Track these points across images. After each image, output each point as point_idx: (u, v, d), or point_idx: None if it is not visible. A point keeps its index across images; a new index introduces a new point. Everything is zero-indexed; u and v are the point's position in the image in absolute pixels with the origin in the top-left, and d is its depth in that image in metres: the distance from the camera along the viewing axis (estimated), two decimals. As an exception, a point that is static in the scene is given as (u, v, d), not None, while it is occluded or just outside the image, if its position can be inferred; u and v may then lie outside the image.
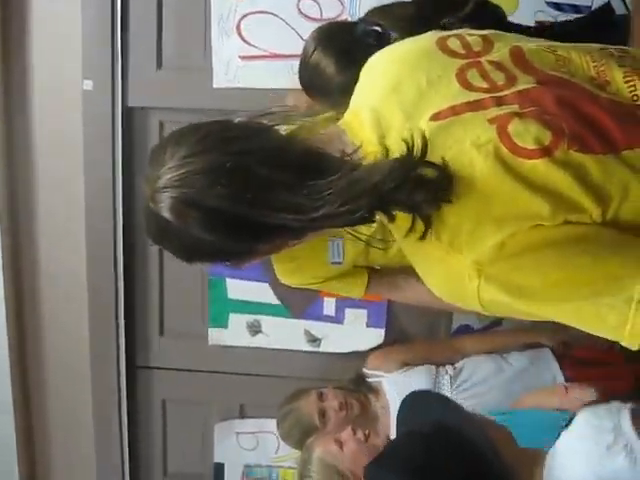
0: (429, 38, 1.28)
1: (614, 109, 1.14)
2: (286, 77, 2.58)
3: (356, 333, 2.91)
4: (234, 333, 3.00)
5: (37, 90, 2.90)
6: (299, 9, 2.68)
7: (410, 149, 1.08)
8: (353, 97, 1.31)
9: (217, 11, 2.71)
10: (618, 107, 1.15)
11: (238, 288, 2.91)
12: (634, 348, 1.03)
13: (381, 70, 1.28)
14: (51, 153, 2.96)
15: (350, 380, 2.67)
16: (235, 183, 1.10)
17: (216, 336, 3.01)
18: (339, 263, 1.92)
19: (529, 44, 1.26)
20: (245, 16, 2.70)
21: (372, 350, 2.81)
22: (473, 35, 1.28)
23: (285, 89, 2.56)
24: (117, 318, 3.02)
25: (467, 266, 1.08)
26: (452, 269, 1.10)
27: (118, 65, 2.80)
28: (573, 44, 1.28)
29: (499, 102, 1.14)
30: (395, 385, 2.55)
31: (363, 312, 2.88)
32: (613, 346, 1.71)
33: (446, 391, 2.48)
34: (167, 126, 2.89)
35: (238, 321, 2.98)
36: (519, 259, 1.05)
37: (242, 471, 3.11)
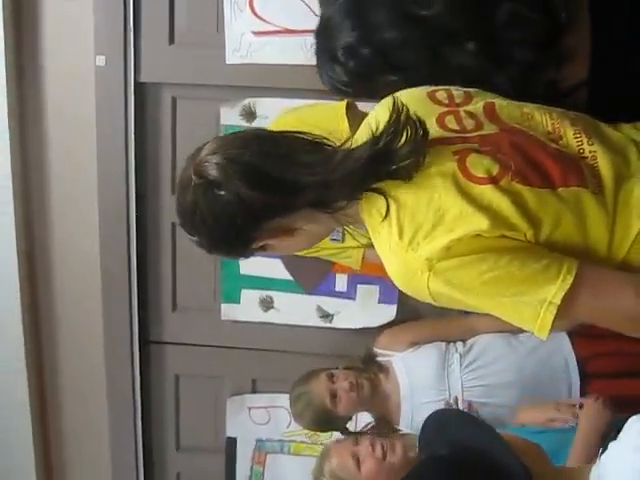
0: (423, 88, 1.57)
1: (559, 156, 1.43)
2: (299, 53, 2.57)
3: (368, 309, 2.92)
4: (246, 308, 3.01)
5: (50, 67, 2.89)
6: (312, -16, 2.66)
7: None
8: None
9: (230, -14, 2.69)
10: (563, 155, 1.44)
11: (250, 264, 2.88)
12: (543, 338, 1.35)
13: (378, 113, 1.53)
14: (64, 129, 2.96)
15: (360, 358, 2.67)
16: (266, 145, 1.45)
17: (228, 311, 3.02)
18: (337, 240, 2.01)
19: (502, 102, 1.55)
20: (258, -9, 2.69)
21: (384, 327, 2.82)
22: (459, 90, 1.56)
23: (298, 65, 2.56)
24: (130, 294, 3.03)
25: (421, 262, 1.35)
26: (409, 265, 1.37)
27: (130, 41, 2.79)
28: (539, 105, 1.55)
29: (464, 141, 1.44)
30: (404, 364, 2.57)
31: (375, 288, 2.88)
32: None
33: (456, 371, 2.49)
34: (180, 102, 2.89)
35: (250, 297, 3.00)
36: (462, 259, 1.33)
37: (254, 445, 3.14)
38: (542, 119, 1.51)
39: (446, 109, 1.51)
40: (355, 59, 1.64)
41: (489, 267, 1.32)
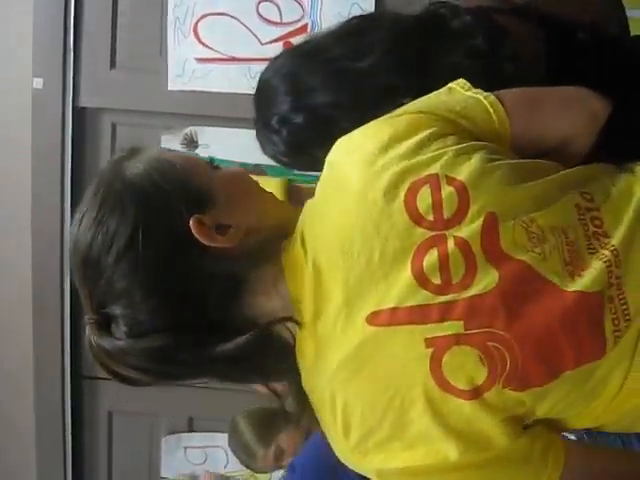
0: (398, 176, 1.04)
1: (576, 317, 1.00)
2: (242, 81, 2.52)
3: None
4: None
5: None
6: (258, 12, 2.62)
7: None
8: (310, 205, 1.12)
9: (173, 11, 2.65)
10: (583, 310, 1.01)
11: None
12: None
13: (336, 206, 1.07)
14: (-1, 152, 2.87)
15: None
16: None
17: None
18: None
19: (508, 204, 1.04)
20: (202, 17, 2.65)
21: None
22: (450, 185, 1.03)
23: (242, 93, 2.50)
24: (63, 325, 2.93)
25: (369, 469, 1.06)
26: (354, 463, 1.07)
27: (70, 63, 2.73)
28: (554, 215, 1.06)
29: (444, 314, 1.00)
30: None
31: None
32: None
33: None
34: (119, 128, 2.82)
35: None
36: (419, 478, 1.04)
37: (190, 485, 3.04)
38: (557, 242, 1.03)
39: (428, 234, 1.02)
40: (288, 127, 1.51)
41: None
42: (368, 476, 1.07)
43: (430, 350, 0.99)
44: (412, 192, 1.03)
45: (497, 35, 1.43)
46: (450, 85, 1.17)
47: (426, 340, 0.99)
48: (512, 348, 0.99)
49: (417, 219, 1.02)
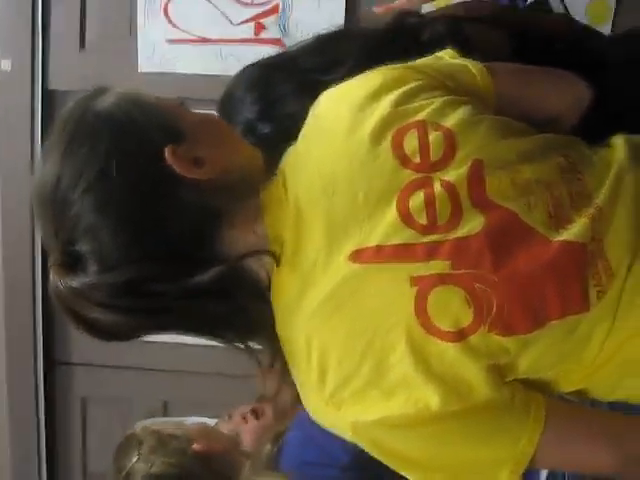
0: (387, 120, 1.05)
1: (562, 265, 1.00)
2: (214, 62, 2.49)
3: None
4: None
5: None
6: (230, -8, 2.59)
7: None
8: (292, 150, 1.12)
9: (143, -9, 2.61)
10: (568, 259, 1.00)
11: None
12: None
13: (320, 148, 1.07)
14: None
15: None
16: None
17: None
18: None
19: (493, 161, 1.03)
20: (173, -3, 2.61)
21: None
22: (438, 131, 1.04)
23: (214, 75, 2.47)
24: (34, 310, 2.90)
25: (343, 422, 1.02)
26: (327, 417, 1.04)
27: (39, 45, 2.69)
28: (539, 170, 1.06)
29: (430, 253, 0.99)
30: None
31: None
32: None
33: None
34: (89, 111, 2.77)
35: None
36: (394, 431, 1.00)
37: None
38: (542, 194, 1.03)
39: (414, 176, 1.02)
40: (254, 136, 1.46)
41: (427, 444, 1.00)
42: (342, 435, 1.03)
43: (415, 289, 0.97)
44: (399, 135, 1.03)
45: (467, 45, 1.43)
46: (437, 53, 1.17)
47: (411, 279, 0.97)
48: (498, 291, 0.97)
49: (403, 161, 1.02)
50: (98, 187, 0.98)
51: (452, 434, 0.99)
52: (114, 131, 1.00)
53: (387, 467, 1.04)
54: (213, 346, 2.81)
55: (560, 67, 1.29)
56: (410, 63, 1.14)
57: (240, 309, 1.04)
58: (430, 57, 1.16)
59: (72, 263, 0.99)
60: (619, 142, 1.12)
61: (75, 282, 0.99)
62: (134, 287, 0.97)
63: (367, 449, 1.03)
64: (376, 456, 1.04)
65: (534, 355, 0.99)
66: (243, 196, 1.04)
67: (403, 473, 1.04)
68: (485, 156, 1.03)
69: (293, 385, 1.09)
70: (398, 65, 1.12)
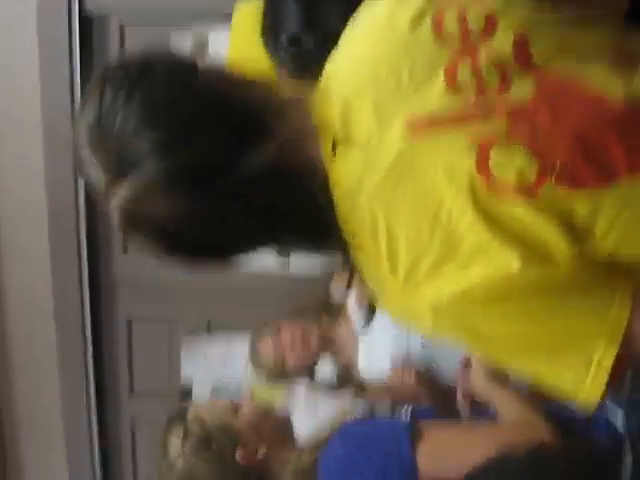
0: (425, 4, 1.04)
1: (628, 122, 0.95)
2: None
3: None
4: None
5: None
6: None
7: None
8: (333, 57, 1.11)
9: None
10: (632, 116, 0.95)
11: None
12: (589, 409, 0.98)
13: (361, 41, 1.08)
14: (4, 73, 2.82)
15: (320, 302, 2.61)
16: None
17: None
18: None
19: (536, 25, 1.02)
20: None
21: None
22: (476, 8, 1.02)
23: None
24: (78, 234, 2.94)
25: (422, 307, 0.98)
26: (405, 305, 1.00)
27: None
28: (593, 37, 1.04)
29: (486, 114, 0.96)
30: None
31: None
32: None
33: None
34: (128, 30, 2.76)
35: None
36: (477, 307, 0.95)
37: (211, 388, 3.08)
38: (599, 53, 1.01)
39: (458, 51, 1.00)
40: (297, 47, 1.48)
41: (515, 317, 0.96)
42: (421, 321, 0.99)
43: (475, 149, 0.94)
44: (438, 15, 1.02)
45: None
46: None
47: (470, 140, 0.94)
48: (559, 146, 0.94)
49: (446, 38, 1.01)
50: (139, 87, 0.97)
51: (537, 305, 0.95)
52: (146, 56, 1.01)
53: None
54: (256, 268, 2.87)
55: None
56: None
57: (308, 199, 1.01)
58: None
59: (127, 171, 0.96)
60: None
61: (134, 180, 0.95)
62: (191, 166, 0.95)
63: (450, 334, 1.00)
64: (460, 340, 1.02)
65: (607, 218, 0.94)
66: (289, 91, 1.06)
67: (488, 356, 1.02)
68: (527, 29, 1.01)
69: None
70: None
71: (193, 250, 1.03)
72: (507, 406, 1.77)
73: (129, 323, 3.12)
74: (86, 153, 0.99)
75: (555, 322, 0.95)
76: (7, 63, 2.80)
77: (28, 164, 2.91)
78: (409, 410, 1.91)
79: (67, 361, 3.11)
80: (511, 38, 1.00)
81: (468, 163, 0.93)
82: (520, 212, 0.92)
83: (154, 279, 2.99)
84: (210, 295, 2.98)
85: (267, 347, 2.47)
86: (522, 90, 0.97)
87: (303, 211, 1.01)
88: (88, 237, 2.95)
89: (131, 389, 3.21)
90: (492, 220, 0.92)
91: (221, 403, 1.88)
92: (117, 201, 0.97)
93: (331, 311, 2.56)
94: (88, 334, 3.06)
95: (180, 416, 1.84)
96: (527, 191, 0.92)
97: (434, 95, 0.98)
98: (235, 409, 1.83)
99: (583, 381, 0.94)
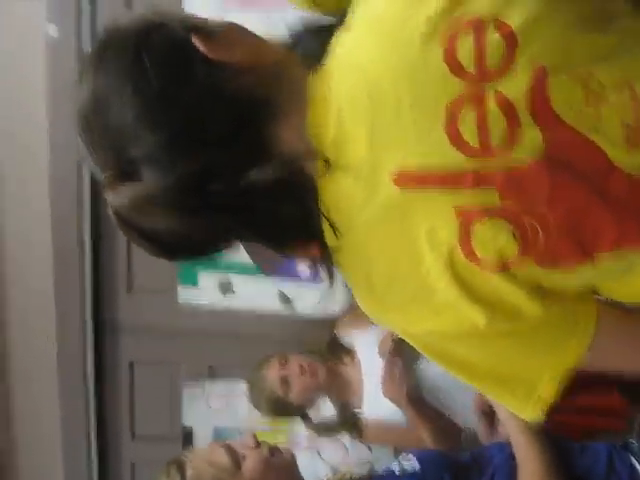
0: (440, 14, 0.91)
1: (626, 198, 0.92)
2: None
3: (332, 294, 2.81)
4: (204, 292, 2.92)
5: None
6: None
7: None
8: (340, 41, 1.01)
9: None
10: (634, 192, 0.92)
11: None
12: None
13: (367, 41, 0.97)
14: (10, 106, 2.85)
15: (325, 344, 2.58)
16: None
17: (186, 294, 2.93)
18: None
19: (558, 64, 0.91)
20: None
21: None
22: (496, 33, 0.90)
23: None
24: (83, 274, 2.94)
25: (393, 324, 1.05)
26: (380, 315, 1.06)
27: (86, 8, 2.68)
28: (621, 67, 0.94)
29: (479, 182, 0.91)
30: (366, 341, 2.46)
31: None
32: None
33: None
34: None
35: (208, 279, 2.91)
36: (442, 339, 1.01)
37: (212, 433, 3.05)
38: (620, 99, 0.92)
39: (467, 88, 0.90)
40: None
41: (478, 348, 1.00)
42: (394, 329, 1.06)
43: (459, 219, 0.91)
44: (453, 36, 0.91)
45: None
46: None
47: (456, 208, 0.91)
48: (549, 226, 0.91)
49: (456, 68, 0.91)
50: (134, 83, 0.92)
51: (499, 345, 0.99)
52: (140, 31, 0.94)
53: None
54: (260, 310, 2.85)
55: None
56: None
57: (308, 213, 0.97)
58: None
59: (126, 174, 0.93)
60: None
61: (131, 189, 0.92)
62: (191, 183, 0.92)
63: (416, 348, 1.04)
64: (425, 355, 1.05)
65: (579, 282, 0.97)
66: (286, 87, 0.97)
67: (453, 374, 1.04)
68: (552, 60, 0.91)
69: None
70: None
71: (182, 251, 1.00)
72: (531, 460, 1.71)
73: (131, 365, 3.10)
74: (83, 141, 0.96)
75: (512, 357, 1.01)
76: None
77: (32, 205, 2.92)
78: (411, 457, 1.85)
79: (69, 406, 3.09)
80: (529, 75, 0.90)
81: (450, 235, 0.92)
82: (494, 282, 0.94)
83: (156, 322, 3.00)
84: (212, 339, 2.97)
85: (274, 372, 2.42)
86: (528, 147, 0.90)
87: (298, 222, 0.98)
88: (93, 275, 2.95)
89: (132, 434, 3.18)
90: (467, 287, 0.94)
91: (222, 460, 1.78)
92: (113, 201, 0.95)
93: (337, 352, 2.53)
94: (90, 378, 3.04)
95: (178, 465, 1.78)
96: (505, 266, 0.93)
97: (430, 142, 0.91)
98: (237, 464, 1.77)
99: (525, 409, 1.03)
